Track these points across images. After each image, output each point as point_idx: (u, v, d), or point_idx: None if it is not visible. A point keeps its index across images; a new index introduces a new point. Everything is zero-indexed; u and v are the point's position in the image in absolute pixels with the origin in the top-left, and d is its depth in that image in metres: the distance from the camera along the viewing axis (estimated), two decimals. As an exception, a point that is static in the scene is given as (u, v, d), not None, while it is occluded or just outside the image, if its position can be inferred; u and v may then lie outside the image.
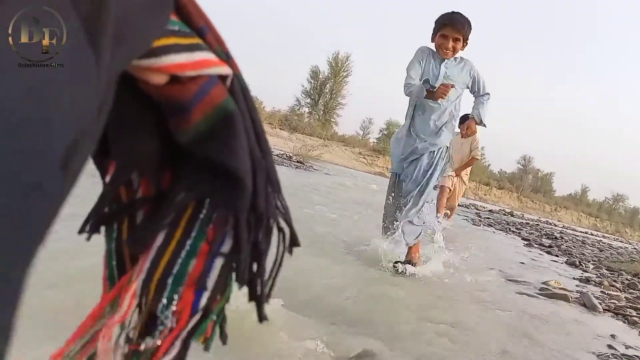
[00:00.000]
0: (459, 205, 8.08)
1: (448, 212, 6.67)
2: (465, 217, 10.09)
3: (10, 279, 0.24)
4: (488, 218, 12.30)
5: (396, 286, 2.74)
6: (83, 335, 0.42)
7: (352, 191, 9.64)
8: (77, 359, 0.42)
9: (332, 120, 47.91)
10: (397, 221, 3.18)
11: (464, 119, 5.75)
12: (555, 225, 18.16)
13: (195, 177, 0.41)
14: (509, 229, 10.40)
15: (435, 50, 3.13)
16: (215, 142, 0.39)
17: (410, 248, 3.17)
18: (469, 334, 2.22)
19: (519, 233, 9.78)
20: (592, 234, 18.63)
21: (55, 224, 0.26)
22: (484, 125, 3.34)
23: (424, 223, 3.17)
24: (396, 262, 3.10)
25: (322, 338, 1.70)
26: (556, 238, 10.31)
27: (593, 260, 7.16)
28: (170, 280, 0.41)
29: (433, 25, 3.13)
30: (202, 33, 0.39)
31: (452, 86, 3.07)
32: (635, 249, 13.44)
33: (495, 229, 9.84)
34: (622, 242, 18.84)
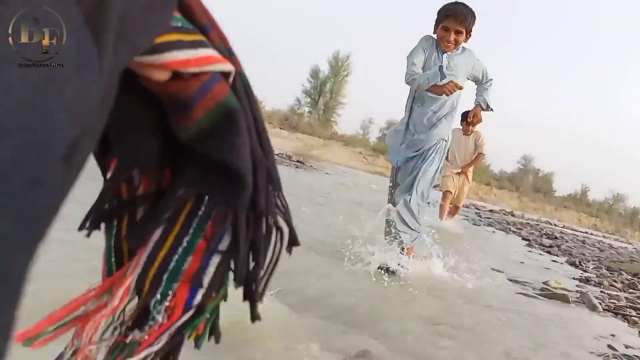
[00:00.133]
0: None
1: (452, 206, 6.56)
2: (466, 217, 10.07)
3: (10, 278, 0.24)
4: (488, 218, 12.29)
5: (396, 287, 2.74)
6: (61, 318, 0.42)
7: (352, 191, 9.63)
8: (46, 339, 0.41)
9: (332, 119, 47.94)
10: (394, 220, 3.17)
11: (464, 115, 5.70)
12: (556, 225, 18.16)
13: (196, 174, 0.41)
14: (509, 228, 10.39)
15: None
16: (216, 139, 0.39)
17: (407, 249, 3.16)
18: (469, 334, 2.22)
19: (519, 233, 9.77)
20: (592, 234, 18.63)
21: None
22: (491, 110, 3.32)
23: (420, 226, 3.15)
24: (380, 268, 2.93)
25: (321, 339, 1.70)
26: (556, 238, 10.30)
27: (593, 260, 7.15)
28: (165, 276, 0.41)
29: (435, 16, 3.06)
30: (205, 30, 0.39)
31: (461, 87, 3.01)
32: (635, 249, 13.43)
33: (496, 228, 9.83)
34: (622, 242, 18.83)
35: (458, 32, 2.98)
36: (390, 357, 1.72)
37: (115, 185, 0.43)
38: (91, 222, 0.43)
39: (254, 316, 0.43)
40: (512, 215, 17.26)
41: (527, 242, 8.16)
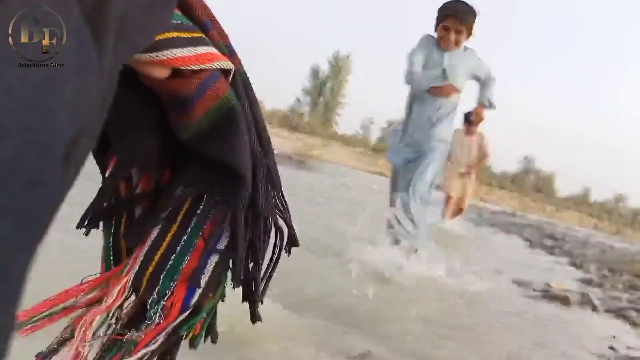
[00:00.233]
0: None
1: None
2: (467, 218, 10.06)
3: (10, 278, 0.24)
4: (490, 218, 12.27)
5: (397, 288, 2.74)
6: (51, 307, 0.41)
7: (352, 191, 9.62)
8: (35, 327, 0.41)
9: (332, 119, 47.90)
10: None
11: (467, 116, 5.68)
12: (557, 226, 18.12)
13: (195, 173, 0.41)
14: (511, 229, 10.37)
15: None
16: (216, 139, 0.39)
17: (407, 249, 3.16)
18: (469, 335, 2.22)
19: (521, 233, 9.75)
20: (593, 235, 18.60)
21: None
22: (494, 107, 3.32)
23: (419, 226, 3.15)
24: (380, 268, 2.92)
25: (321, 339, 1.70)
26: (558, 239, 10.28)
27: (595, 261, 7.14)
28: (163, 275, 0.40)
29: (436, 14, 3.04)
30: (206, 28, 0.39)
31: (458, 91, 3.01)
32: (637, 249, 13.39)
33: (497, 229, 9.82)
34: (623, 243, 18.79)
35: (458, 32, 2.95)
36: (390, 358, 1.72)
37: (114, 183, 0.42)
38: (90, 220, 0.43)
39: (254, 317, 0.43)
40: (514, 215, 17.23)
41: (529, 243, 8.14)
